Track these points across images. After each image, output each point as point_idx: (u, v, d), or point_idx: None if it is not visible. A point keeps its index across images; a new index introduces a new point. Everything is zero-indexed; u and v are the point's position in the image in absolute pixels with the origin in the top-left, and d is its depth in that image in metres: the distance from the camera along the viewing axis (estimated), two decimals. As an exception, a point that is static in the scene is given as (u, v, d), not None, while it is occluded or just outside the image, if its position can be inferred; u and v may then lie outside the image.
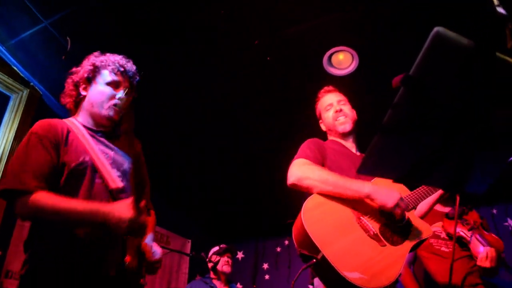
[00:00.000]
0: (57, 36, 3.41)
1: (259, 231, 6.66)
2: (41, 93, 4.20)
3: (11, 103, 4.04)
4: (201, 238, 6.39)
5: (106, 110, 1.88)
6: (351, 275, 1.71)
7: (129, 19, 3.18)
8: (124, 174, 1.86)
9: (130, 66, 1.99)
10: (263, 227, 6.56)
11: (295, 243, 1.97)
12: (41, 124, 1.78)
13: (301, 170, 2.10)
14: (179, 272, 6.04)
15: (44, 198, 1.58)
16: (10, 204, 1.64)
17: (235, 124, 4.39)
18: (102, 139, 1.89)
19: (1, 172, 3.70)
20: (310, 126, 4.02)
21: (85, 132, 1.84)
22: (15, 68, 3.92)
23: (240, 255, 6.68)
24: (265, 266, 6.48)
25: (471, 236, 2.97)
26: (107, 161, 1.80)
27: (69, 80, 1.97)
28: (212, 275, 4.42)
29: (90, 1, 3.09)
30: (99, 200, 1.68)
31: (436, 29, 0.66)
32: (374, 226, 1.98)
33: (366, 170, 0.84)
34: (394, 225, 2.01)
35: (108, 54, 1.99)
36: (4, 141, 3.90)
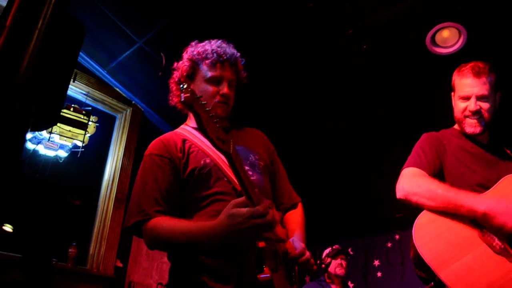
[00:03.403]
0: (152, 54, 3.51)
1: (366, 226, 6.36)
2: (142, 110, 4.40)
3: (117, 123, 4.27)
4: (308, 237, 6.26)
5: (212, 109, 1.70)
6: None
7: (217, 17, 3.13)
8: (252, 167, 1.73)
9: (231, 52, 1.81)
10: (370, 222, 6.26)
11: (413, 265, 1.76)
12: (154, 144, 1.73)
13: (408, 184, 1.87)
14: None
15: (160, 222, 1.52)
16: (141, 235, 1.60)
17: (337, 116, 4.19)
18: None
19: (115, 189, 3.93)
20: (416, 115, 3.71)
21: (199, 135, 1.75)
22: (117, 89, 4.15)
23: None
24: (376, 263, 6.17)
25: None
26: None
27: (171, 80, 1.88)
28: (327, 278, 4.27)
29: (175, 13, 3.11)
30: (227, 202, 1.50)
31: None
32: (501, 238, 1.67)
33: None
34: None
35: (206, 42, 1.84)
36: (116, 158, 4.13)
